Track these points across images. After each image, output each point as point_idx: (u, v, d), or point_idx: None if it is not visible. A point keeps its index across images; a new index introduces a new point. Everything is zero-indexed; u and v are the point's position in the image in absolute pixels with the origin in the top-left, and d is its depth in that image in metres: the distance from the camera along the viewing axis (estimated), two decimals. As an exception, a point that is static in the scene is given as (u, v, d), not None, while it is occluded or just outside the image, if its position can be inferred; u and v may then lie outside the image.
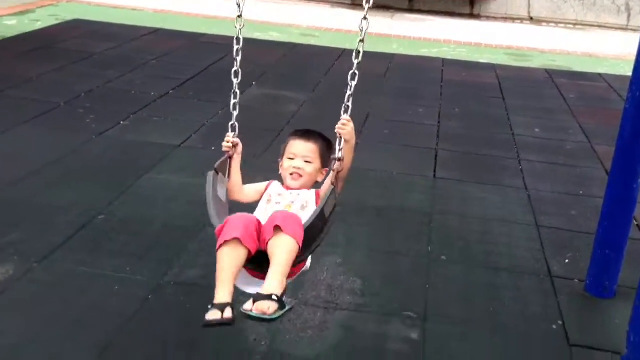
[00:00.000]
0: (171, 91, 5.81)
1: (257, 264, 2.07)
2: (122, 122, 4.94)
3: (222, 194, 2.32)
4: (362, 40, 2.29)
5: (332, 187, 2.17)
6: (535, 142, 5.09)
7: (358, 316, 2.85)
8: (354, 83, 2.30)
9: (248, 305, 1.91)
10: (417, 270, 3.23)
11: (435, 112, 5.72)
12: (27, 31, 7.73)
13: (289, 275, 2.06)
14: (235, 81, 2.41)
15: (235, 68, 2.41)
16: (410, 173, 4.39)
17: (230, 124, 2.39)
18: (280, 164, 2.43)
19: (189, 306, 2.83)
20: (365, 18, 2.27)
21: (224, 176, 2.34)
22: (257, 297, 1.92)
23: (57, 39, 7.46)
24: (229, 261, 2.00)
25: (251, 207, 2.36)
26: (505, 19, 11.39)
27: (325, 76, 6.67)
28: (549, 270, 3.28)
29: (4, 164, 4.07)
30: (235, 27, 2.38)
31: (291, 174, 2.36)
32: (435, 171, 4.45)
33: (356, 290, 3.03)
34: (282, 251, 1.99)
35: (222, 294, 1.97)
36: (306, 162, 2.36)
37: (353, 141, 2.27)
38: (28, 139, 4.50)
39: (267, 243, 2.01)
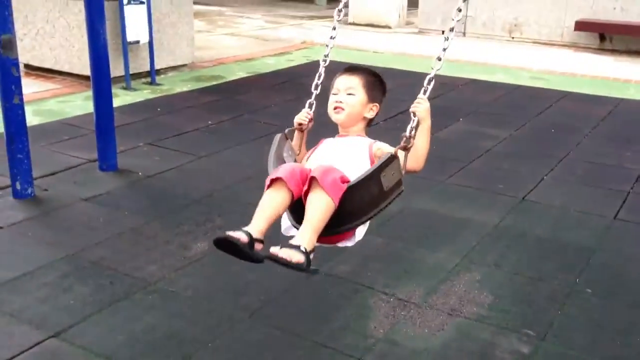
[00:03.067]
0: (381, 122, 6.40)
1: (298, 214, 2.09)
2: (330, 145, 5.66)
3: (287, 155, 2.40)
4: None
5: (396, 157, 2.09)
6: None
7: (477, 325, 3.04)
8: (438, 66, 2.28)
9: (275, 249, 1.94)
10: (554, 297, 3.28)
11: (644, 157, 5.43)
12: (280, 68, 9.06)
13: (331, 241, 2.14)
14: (322, 67, 2.54)
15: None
16: (588, 211, 4.32)
17: (308, 101, 2.53)
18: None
19: (330, 293, 3.31)
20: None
21: (291, 141, 2.47)
22: (289, 246, 1.96)
23: (301, 75, 8.61)
24: (269, 200, 2.08)
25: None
26: None
27: (536, 117, 6.70)
28: None
29: (230, 169, 5.01)
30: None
31: (334, 109, 2.36)
32: (617, 213, 4.31)
33: (484, 304, 3.21)
34: (315, 207, 2.00)
35: (252, 226, 2.05)
36: (349, 94, 2.36)
37: (427, 122, 2.25)
38: (251, 152, 5.43)
39: (304, 194, 2.05)
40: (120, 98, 6.87)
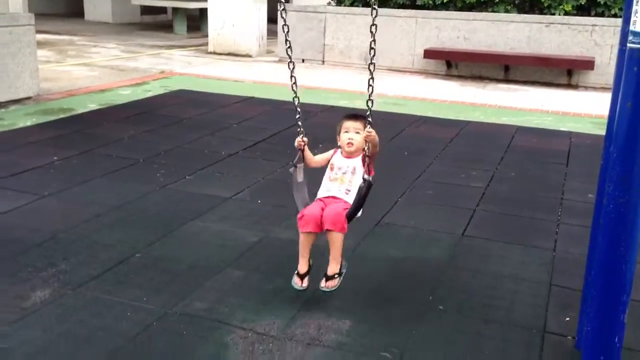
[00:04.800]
0: (240, 151, 6.34)
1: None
2: (187, 177, 5.48)
3: (300, 177, 3.54)
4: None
5: (363, 181, 3.30)
6: (583, 207, 4.98)
7: (335, 354, 3.00)
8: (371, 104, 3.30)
9: (322, 284, 3.37)
10: (410, 317, 3.33)
11: (488, 175, 5.77)
12: (136, 99, 8.73)
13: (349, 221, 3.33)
14: (298, 110, 3.53)
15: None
16: (438, 230, 4.49)
17: (297, 130, 3.49)
18: (338, 137, 3.51)
19: (185, 333, 3.14)
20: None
21: (301, 163, 3.50)
22: (327, 278, 3.37)
23: (159, 106, 8.36)
24: (304, 242, 3.37)
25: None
26: (604, 89, 11.10)
27: (390, 141, 6.93)
28: (545, 327, 3.25)
29: (77, 208, 4.68)
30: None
31: (347, 143, 3.45)
32: (465, 230, 4.52)
33: (343, 331, 3.19)
34: (334, 244, 3.33)
35: (302, 266, 3.40)
36: (356, 132, 3.44)
37: (376, 140, 3.34)
38: (102, 188, 5.13)
39: (326, 232, 3.32)
40: (-48, 135, 6.27)
